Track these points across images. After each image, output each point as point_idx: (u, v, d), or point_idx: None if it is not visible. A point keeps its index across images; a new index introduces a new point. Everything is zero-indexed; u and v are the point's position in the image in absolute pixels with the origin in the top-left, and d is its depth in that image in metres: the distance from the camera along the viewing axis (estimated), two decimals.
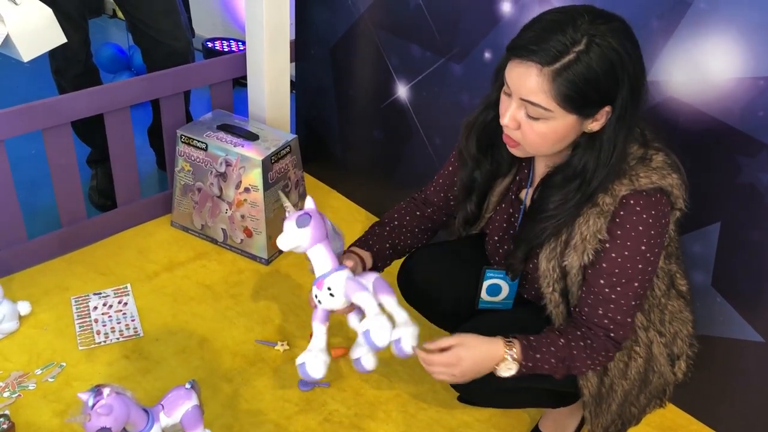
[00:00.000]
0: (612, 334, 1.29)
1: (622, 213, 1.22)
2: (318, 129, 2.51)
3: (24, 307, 1.87)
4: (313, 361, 1.46)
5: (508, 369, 1.29)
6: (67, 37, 1.95)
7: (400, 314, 1.34)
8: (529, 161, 1.41)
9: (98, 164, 2.45)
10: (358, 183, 2.46)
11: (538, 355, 1.29)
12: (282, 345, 1.86)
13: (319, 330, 1.47)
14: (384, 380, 1.77)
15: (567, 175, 1.25)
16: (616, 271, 1.25)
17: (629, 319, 1.29)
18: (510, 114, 1.20)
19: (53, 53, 2.07)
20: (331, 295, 1.37)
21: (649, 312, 1.36)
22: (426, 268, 1.56)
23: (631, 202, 1.21)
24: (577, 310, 1.33)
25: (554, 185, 1.27)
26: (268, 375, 1.77)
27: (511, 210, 1.44)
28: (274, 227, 2.14)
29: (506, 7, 1.75)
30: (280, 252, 2.20)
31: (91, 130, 2.28)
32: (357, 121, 2.36)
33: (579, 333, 1.30)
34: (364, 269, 1.46)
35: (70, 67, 2.28)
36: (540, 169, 1.36)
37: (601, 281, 1.26)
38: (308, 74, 2.47)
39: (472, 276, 1.49)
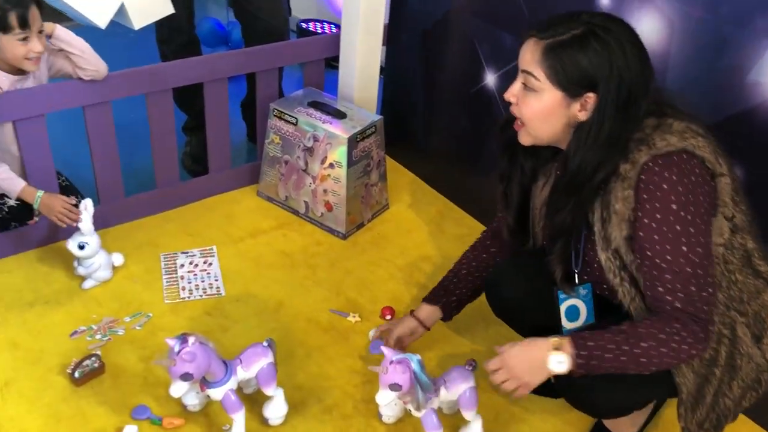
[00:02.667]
0: (681, 308, 1.23)
1: (643, 177, 1.24)
2: (403, 112, 2.55)
3: (117, 259, 1.99)
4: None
5: (558, 362, 1.28)
6: (174, 9, 2.06)
7: (473, 427, 1.57)
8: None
9: (193, 131, 2.57)
10: (437, 168, 2.49)
11: (591, 343, 1.26)
12: (354, 316, 1.92)
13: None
14: (449, 360, 1.81)
15: (562, 161, 1.33)
16: (655, 237, 1.23)
17: (693, 289, 1.22)
18: (511, 87, 1.33)
19: (160, 23, 2.18)
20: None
21: (727, 289, 1.32)
22: (510, 287, 1.57)
23: (650, 164, 1.23)
24: (646, 297, 1.30)
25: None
26: (339, 343, 1.84)
27: None
28: (354, 204, 2.20)
29: (604, 0, 1.74)
30: (358, 228, 2.26)
31: (189, 98, 2.40)
32: (442, 107, 2.39)
33: (650, 319, 1.26)
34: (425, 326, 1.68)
35: (174, 36, 2.41)
36: None
37: (648, 252, 1.25)
38: (398, 58, 2.51)
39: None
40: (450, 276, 1.70)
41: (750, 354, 1.34)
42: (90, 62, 1.90)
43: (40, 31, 1.80)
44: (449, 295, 1.67)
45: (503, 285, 1.57)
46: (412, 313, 1.70)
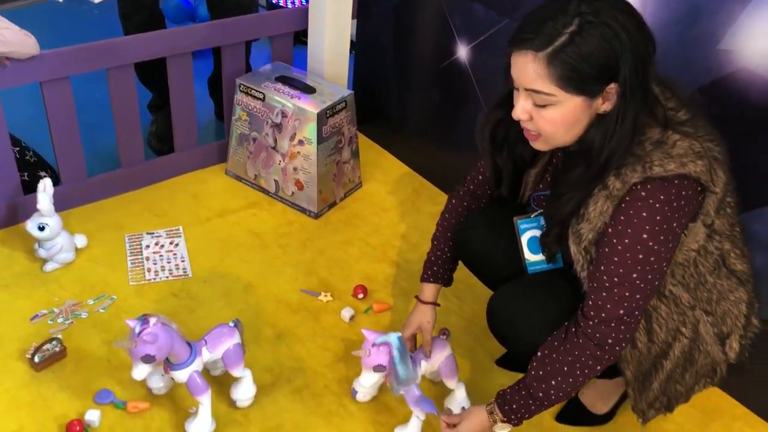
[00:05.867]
0: (592, 327, 1.24)
1: (627, 198, 1.19)
2: (375, 88, 2.50)
3: (80, 240, 1.93)
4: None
5: (502, 429, 1.37)
6: None
7: (458, 395, 1.58)
8: None
9: (158, 110, 2.50)
10: (411, 145, 2.45)
11: (514, 406, 1.33)
12: (325, 295, 1.88)
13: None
14: None
15: (578, 152, 1.24)
16: (615, 259, 1.21)
17: (621, 311, 1.23)
18: (519, 107, 1.21)
19: None
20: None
21: (695, 290, 1.32)
22: (480, 236, 1.54)
23: (638, 187, 1.18)
24: (586, 292, 1.29)
25: (569, 162, 1.27)
26: (309, 323, 1.80)
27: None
28: (325, 182, 2.15)
29: None
30: (330, 207, 2.22)
31: (154, 75, 2.33)
32: (414, 82, 2.34)
33: (556, 351, 1.28)
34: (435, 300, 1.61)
35: (136, 11, 2.32)
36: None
37: (601, 267, 1.23)
38: (369, 32, 2.46)
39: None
40: (435, 248, 1.63)
41: (709, 351, 1.35)
42: (20, 53, 1.78)
43: None
44: (446, 264, 1.60)
45: (472, 238, 1.54)
46: (417, 298, 1.62)
